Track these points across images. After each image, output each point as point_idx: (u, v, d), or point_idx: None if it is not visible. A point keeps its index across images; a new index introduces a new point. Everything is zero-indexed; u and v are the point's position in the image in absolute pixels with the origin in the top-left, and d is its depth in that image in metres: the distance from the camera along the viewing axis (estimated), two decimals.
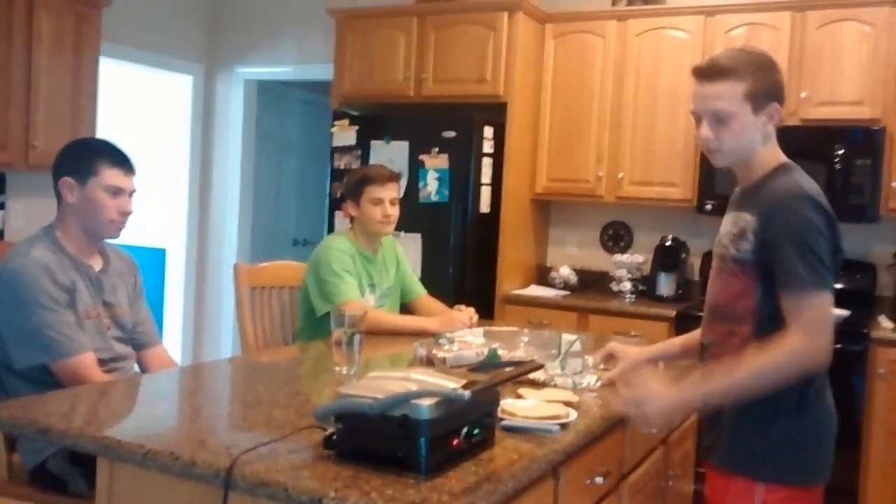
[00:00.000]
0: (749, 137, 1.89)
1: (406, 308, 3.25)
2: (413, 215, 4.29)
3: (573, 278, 4.67)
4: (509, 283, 4.53)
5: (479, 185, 4.35)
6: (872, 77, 3.91)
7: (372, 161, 4.38)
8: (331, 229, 4.45)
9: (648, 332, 3.87)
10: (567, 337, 2.23)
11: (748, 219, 1.87)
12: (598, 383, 2.18)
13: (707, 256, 4.40)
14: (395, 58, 4.65)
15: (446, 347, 2.19)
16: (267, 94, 5.92)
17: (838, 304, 1.90)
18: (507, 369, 1.98)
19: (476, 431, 1.56)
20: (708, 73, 1.89)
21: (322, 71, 5.10)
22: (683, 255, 4.49)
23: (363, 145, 4.51)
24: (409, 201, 4.28)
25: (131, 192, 2.41)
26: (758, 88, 1.86)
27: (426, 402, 1.42)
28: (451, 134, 4.30)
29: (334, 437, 1.51)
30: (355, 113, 4.62)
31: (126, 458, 1.56)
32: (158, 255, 5.93)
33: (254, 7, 5.71)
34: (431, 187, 4.32)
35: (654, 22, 4.38)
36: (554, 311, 4.28)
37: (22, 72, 4.12)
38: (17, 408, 1.80)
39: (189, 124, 5.76)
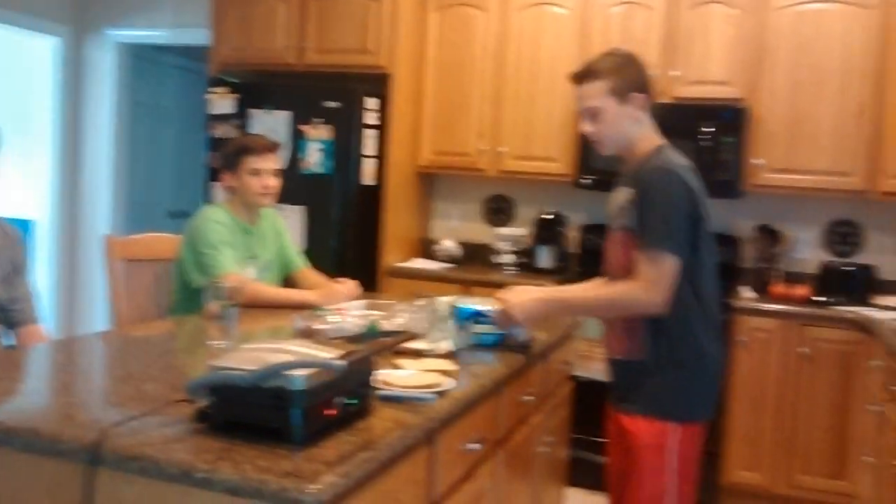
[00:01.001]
0: (621, 126, 2.23)
1: (287, 281, 3.21)
2: (295, 187, 4.22)
3: (456, 251, 4.73)
4: (393, 255, 4.54)
5: (362, 157, 4.32)
6: (737, 58, 4.10)
7: (252, 131, 4.28)
8: (209, 201, 4.33)
9: None
10: (443, 301, 2.26)
11: (629, 193, 2.17)
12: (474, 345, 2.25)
13: (585, 229, 4.55)
14: (275, 25, 4.54)
15: (326, 319, 2.18)
16: (140, 60, 5.67)
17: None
18: (387, 339, 1.99)
19: (352, 401, 1.56)
20: (579, 76, 2.26)
21: (199, 36, 4.91)
22: (562, 229, 4.61)
23: (243, 114, 4.40)
24: (291, 173, 4.21)
25: None
26: (620, 84, 2.20)
27: (300, 373, 1.41)
28: (333, 104, 4.24)
29: (208, 410, 1.48)
30: (234, 80, 4.50)
31: None
32: (25, 227, 5.62)
33: None
34: (314, 159, 4.26)
35: None
36: (437, 283, 4.31)
37: None
38: None
39: (53, 90, 5.45)
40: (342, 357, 1.52)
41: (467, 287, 4.29)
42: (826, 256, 4.25)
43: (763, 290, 4.11)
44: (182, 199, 5.99)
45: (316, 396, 1.45)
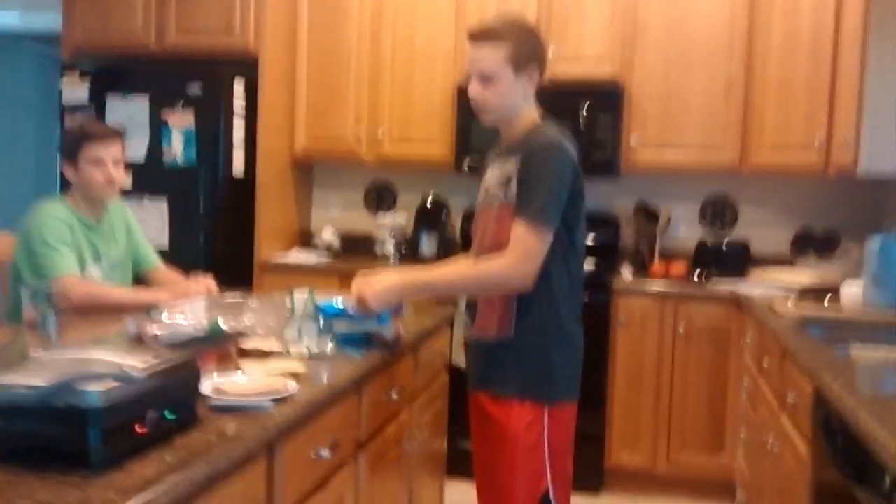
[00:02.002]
0: (511, 97, 2.10)
1: (141, 281, 2.97)
2: (157, 179, 3.98)
3: (336, 242, 4.55)
4: (269, 249, 4.33)
5: (230, 145, 4.09)
6: (611, 35, 4.06)
7: (109, 120, 3.99)
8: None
9: None
10: (298, 295, 2.10)
11: (511, 167, 2.07)
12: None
13: (468, 215, 4.44)
14: (132, 3, 4.23)
15: (161, 322, 1.98)
16: None
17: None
18: (218, 341, 1.81)
19: (169, 415, 1.39)
20: (477, 35, 2.10)
21: (54, 19, 4.55)
22: (444, 215, 4.50)
23: (98, 102, 4.09)
24: (153, 164, 3.97)
25: None
26: (520, 53, 2.07)
27: (95, 388, 1.23)
28: (197, 89, 3.99)
29: None
30: (88, 66, 4.18)
31: None
32: None
33: None
34: (177, 148, 4.00)
35: None
36: (315, 276, 4.12)
37: None
38: None
39: None
40: (155, 365, 1.35)
41: (346, 279, 4.06)
42: (703, 233, 4.28)
43: (643, 270, 4.10)
44: (47, 195, 5.60)
45: (118, 413, 1.27)
